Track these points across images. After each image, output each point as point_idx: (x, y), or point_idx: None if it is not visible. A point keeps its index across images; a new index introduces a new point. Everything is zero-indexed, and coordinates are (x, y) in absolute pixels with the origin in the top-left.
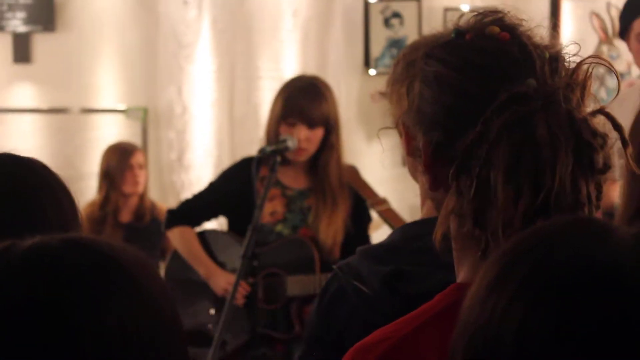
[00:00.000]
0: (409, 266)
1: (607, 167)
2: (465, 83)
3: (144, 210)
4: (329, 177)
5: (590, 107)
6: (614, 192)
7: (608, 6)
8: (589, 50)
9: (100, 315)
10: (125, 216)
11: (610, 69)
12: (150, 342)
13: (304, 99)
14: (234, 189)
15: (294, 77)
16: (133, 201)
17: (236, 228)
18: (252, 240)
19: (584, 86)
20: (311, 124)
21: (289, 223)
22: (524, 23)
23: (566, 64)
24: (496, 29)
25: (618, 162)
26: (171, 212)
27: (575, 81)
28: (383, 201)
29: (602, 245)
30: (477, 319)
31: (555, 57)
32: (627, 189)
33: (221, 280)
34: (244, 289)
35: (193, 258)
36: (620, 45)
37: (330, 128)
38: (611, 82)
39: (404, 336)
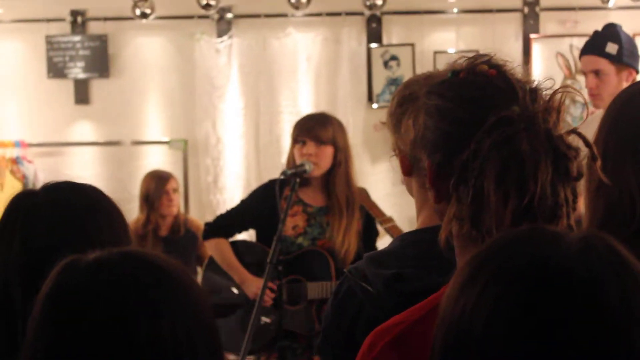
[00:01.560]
0: (407, 269)
1: (580, 174)
2: (460, 112)
3: (178, 225)
4: (336, 192)
5: (564, 128)
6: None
7: (571, 47)
8: (556, 84)
9: (155, 321)
10: (163, 231)
11: (580, 96)
12: (196, 343)
13: (311, 121)
14: (261, 206)
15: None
16: (169, 219)
17: (263, 239)
18: (277, 248)
19: (558, 110)
20: (319, 141)
21: (308, 236)
22: (507, 63)
23: (544, 94)
24: (485, 67)
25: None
26: (208, 225)
27: (551, 107)
28: (389, 219)
29: (554, 249)
30: (452, 314)
31: (534, 89)
32: (591, 203)
33: (253, 286)
34: (271, 292)
35: (227, 265)
36: (582, 79)
37: (338, 147)
38: (575, 110)
39: (415, 320)
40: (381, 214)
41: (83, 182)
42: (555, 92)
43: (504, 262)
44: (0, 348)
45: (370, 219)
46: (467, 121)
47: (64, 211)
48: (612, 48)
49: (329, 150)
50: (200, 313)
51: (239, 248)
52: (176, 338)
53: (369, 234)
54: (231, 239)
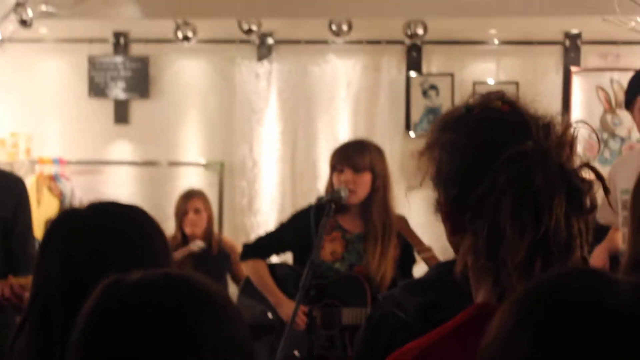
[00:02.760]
0: (440, 298)
1: (593, 207)
2: (474, 147)
3: (210, 243)
4: (373, 218)
5: (577, 161)
6: (618, 238)
7: (611, 81)
8: (595, 117)
9: (196, 345)
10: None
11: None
12: (232, 357)
13: (349, 149)
14: (299, 229)
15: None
16: (197, 237)
17: (300, 263)
18: (309, 273)
19: (571, 145)
20: (356, 169)
21: (346, 262)
22: (520, 99)
23: (556, 128)
24: (498, 103)
25: (621, 213)
26: (246, 246)
27: (564, 141)
28: (428, 249)
29: (609, 295)
30: (502, 358)
31: (547, 124)
32: (631, 238)
33: (287, 309)
34: (305, 316)
35: (264, 287)
36: (622, 113)
37: (376, 174)
38: (614, 144)
39: (430, 344)
40: (419, 242)
41: (128, 203)
42: (567, 127)
43: (556, 310)
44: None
45: (408, 246)
46: (481, 156)
47: (108, 232)
48: None
49: (366, 178)
50: (240, 337)
51: (277, 270)
52: (215, 356)
53: (405, 262)
54: (269, 260)
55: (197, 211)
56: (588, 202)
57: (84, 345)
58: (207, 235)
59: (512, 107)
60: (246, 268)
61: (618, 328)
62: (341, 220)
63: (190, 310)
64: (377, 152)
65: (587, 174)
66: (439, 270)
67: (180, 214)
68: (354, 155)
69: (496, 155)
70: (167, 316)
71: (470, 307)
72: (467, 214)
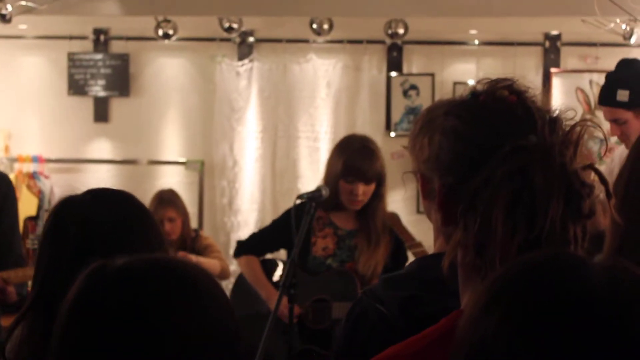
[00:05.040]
0: (422, 292)
1: (592, 212)
2: (476, 136)
3: (185, 246)
4: (375, 222)
5: (581, 162)
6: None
7: (591, 83)
8: (577, 116)
9: (181, 329)
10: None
11: (600, 131)
12: (220, 346)
13: (362, 161)
14: (292, 227)
15: (349, 138)
16: (174, 243)
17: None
18: (290, 271)
19: (576, 144)
20: (368, 181)
21: (337, 258)
22: (530, 90)
23: (564, 125)
24: (505, 92)
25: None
26: (240, 243)
27: (569, 139)
28: (419, 244)
29: (577, 277)
30: (471, 340)
31: (554, 119)
32: (610, 232)
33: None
34: (295, 312)
35: (256, 282)
36: (601, 115)
37: (381, 181)
38: (593, 145)
39: (413, 354)
40: (411, 238)
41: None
42: (575, 125)
43: (524, 291)
44: (37, 348)
45: (399, 242)
46: (482, 146)
47: (118, 216)
48: (623, 95)
49: (373, 186)
50: (226, 321)
51: (269, 267)
52: (201, 346)
53: (397, 257)
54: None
55: (171, 220)
56: (587, 207)
57: (67, 330)
58: (183, 239)
59: (520, 98)
60: (240, 264)
61: (587, 310)
62: (333, 217)
63: (175, 294)
64: (380, 154)
65: (591, 177)
66: (420, 264)
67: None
68: (366, 167)
69: (497, 147)
70: (149, 302)
71: (453, 313)
72: (460, 205)
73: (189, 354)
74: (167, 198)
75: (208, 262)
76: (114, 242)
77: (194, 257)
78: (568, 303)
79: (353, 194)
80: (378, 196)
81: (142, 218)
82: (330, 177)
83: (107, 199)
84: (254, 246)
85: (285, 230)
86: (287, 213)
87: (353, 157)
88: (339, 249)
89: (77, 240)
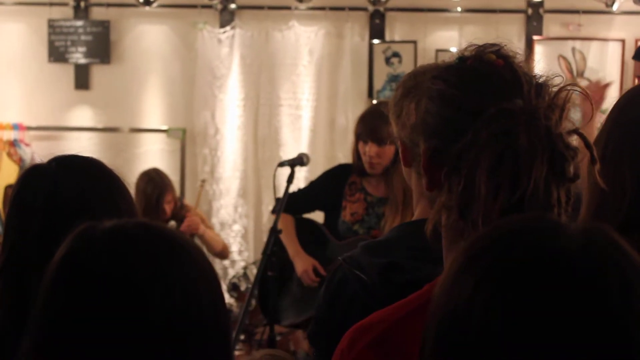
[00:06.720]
0: (402, 259)
1: (576, 176)
2: (462, 99)
3: (180, 219)
4: (393, 186)
5: (567, 127)
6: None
7: (573, 50)
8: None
9: (167, 289)
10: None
11: (586, 95)
12: (205, 310)
13: (372, 121)
14: (328, 189)
15: (371, 105)
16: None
17: (328, 221)
18: (271, 240)
19: (562, 108)
20: (380, 142)
21: (365, 224)
22: (517, 55)
23: (550, 90)
24: (493, 56)
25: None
26: (278, 201)
27: (555, 103)
28: None
29: (554, 240)
30: (447, 303)
31: (541, 84)
32: (588, 194)
33: (302, 263)
34: (317, 275)
35: (287, 239)
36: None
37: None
38: (574, 114)
39: (397, 320)
40: None
41: (89, 157)
42: (561, 89)
43: (501, 253)
44: (11, 319)
45: None
46: (468, 109)
47: (84, 184)
48: None
49: (390, 150)
50: (210, 285)
51: (304, 226)
52: (187, 307)
53: None
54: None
55: (168, 202)
56: (571, 170)
57: (53, 290)
58: (176, 212)
59: (507, 62)
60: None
61: (562, 272)
62: (365, 182)
63: (161, 258)
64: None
65: (576, 141)
66: (401, 230)
67: (155, 208)
68: (378, 128)
69: (482, 109)
70: (137, 263)
71: (437, 279)
72: (445, 168)
73: (173, 318)
74: (162, 184)
75: (212, 238)
76: (80, 210)
77: (201, 228)
78: (543, 265)
79: (367, 155)
80: (397, 162)
81: (109, 185)
82: (354, 146)
83: (73, 167)
84: (290, 205)
85: (322, 192)
86: (325, 175)
87: (366, 117)
88: (367, 215)
89: (44, 209)
